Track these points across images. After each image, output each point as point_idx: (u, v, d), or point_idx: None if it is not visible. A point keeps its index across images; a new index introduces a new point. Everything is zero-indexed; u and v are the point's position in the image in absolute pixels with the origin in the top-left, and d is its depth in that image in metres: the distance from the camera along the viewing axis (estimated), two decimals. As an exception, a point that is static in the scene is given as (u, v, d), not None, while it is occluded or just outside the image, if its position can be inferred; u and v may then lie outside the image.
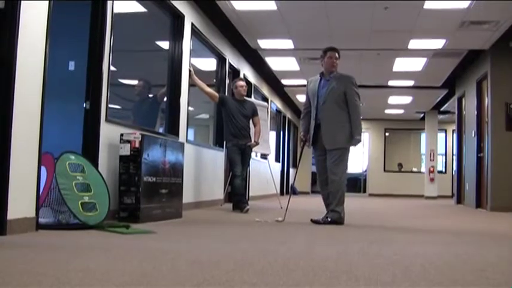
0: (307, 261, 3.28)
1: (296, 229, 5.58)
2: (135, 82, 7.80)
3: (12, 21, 3.96)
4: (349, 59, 11.15)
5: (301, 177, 19.69)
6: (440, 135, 20.48)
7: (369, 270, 2.96)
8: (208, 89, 7.88)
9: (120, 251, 3.49)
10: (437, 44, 9.77)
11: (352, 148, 6.18)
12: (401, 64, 11.55)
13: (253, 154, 10.37)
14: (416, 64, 11.56)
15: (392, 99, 16.23)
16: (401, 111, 18.59)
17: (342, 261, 3.29)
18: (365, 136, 21.32)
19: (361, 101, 6.26)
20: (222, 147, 9.29)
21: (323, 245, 4.32)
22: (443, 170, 20.94)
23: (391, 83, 13.72)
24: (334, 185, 6.02)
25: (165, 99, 7.48)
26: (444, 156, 21.37)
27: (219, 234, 4.95)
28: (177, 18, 7.44)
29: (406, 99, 16.18)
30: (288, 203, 6.60)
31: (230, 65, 10.03)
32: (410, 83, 13.68)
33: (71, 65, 6.21)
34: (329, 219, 5.97)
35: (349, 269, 2.97)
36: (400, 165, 21.50)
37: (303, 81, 13.11)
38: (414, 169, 21.50)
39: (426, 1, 7.65)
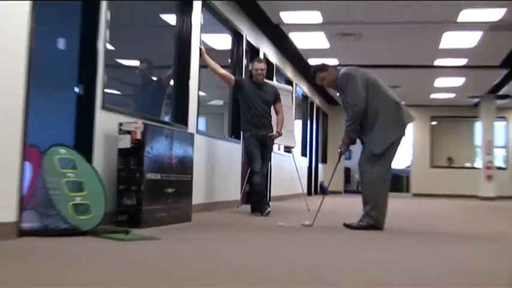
0: (337, 272, 3.23)
1: (326, 235, 5.55)
2: (136, 63, 7.80)
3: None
4: (387, 35, 11.05)
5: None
6: (499, 124, 20.23)
7: (410, 283, 2.90)
8: (222, 71, 7.84)
9: (117, 261, 3.48)
10: (495, 14, 9.60)
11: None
12: (450, 40, 11.38)
13: (275, 147, 10.32)
14: (470, 39, 11.38)
15: (440, 82, 16.04)
16: (451, 95, 18.37)
17: (377, 273, 3.24)
18: (408, 126, 21.13)
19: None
20: (239, 138, 9.26)
21: (356, 254, 4.27)
22: (504, 166, 20.69)
23: (438, 62, 13.55)
24: (366, 184, 6.04)
25: (171, 82, 7.46)
26: (504, 149, 21.10)
27: (234, 241, 4.93)
28: (185, -12, 7.42)
29: (457, 82, 15.98)
30: (321, 205, 6.56)
31: (248, 42, 9.99)
32: (462, 61, 13.49)
33: (61, 43, 6.21)
34: (363, 224, 5.94)
35: (386, 281, 2.92)
36: (449, 159, 21.30)
37: (334, 61, 13.04)
38: (467, 164, 21.29)
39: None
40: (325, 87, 6.55)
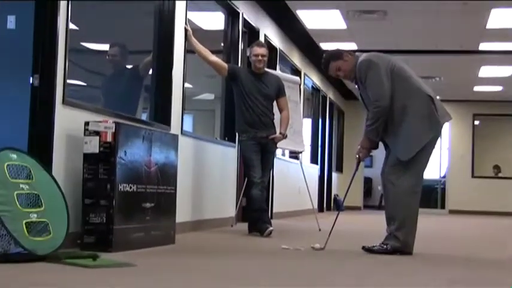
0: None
1: (341, 262, 5.56)
2: (106, 47, 7.80)
3: None
4: (418, 12, 11.03)
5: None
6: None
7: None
8: (213, 58, 7.84)
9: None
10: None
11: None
12: (500, 18, 11.34)
13: (278, 151, 10.30)
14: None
15: (486, 71, 16.02)
16: (497, 88, 18.38)
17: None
18: (444, 126, 21.09)
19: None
20: (234, 141, 9.27)
21: (378, 285, 4.28)
22: None
23: (483, 46, 13.53)
24: (392, 199, 6.04)
25: (150, 71, 7.46)
26: None
27: (226, 269, 4.93)
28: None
29: (507, 71, 15.98)
30: (334, 223, 6.57)
31: (245, 22, 9.98)
32: (513, 45, 13.52)
33: (10, 22, 6.19)
34: (387, 248, 5.95)
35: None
36: (496, 168, 21.27)
37: (352, 46, 13.04)
38: (519, 174, 21.29)
39: None
40: (340, 78, 6.55)
